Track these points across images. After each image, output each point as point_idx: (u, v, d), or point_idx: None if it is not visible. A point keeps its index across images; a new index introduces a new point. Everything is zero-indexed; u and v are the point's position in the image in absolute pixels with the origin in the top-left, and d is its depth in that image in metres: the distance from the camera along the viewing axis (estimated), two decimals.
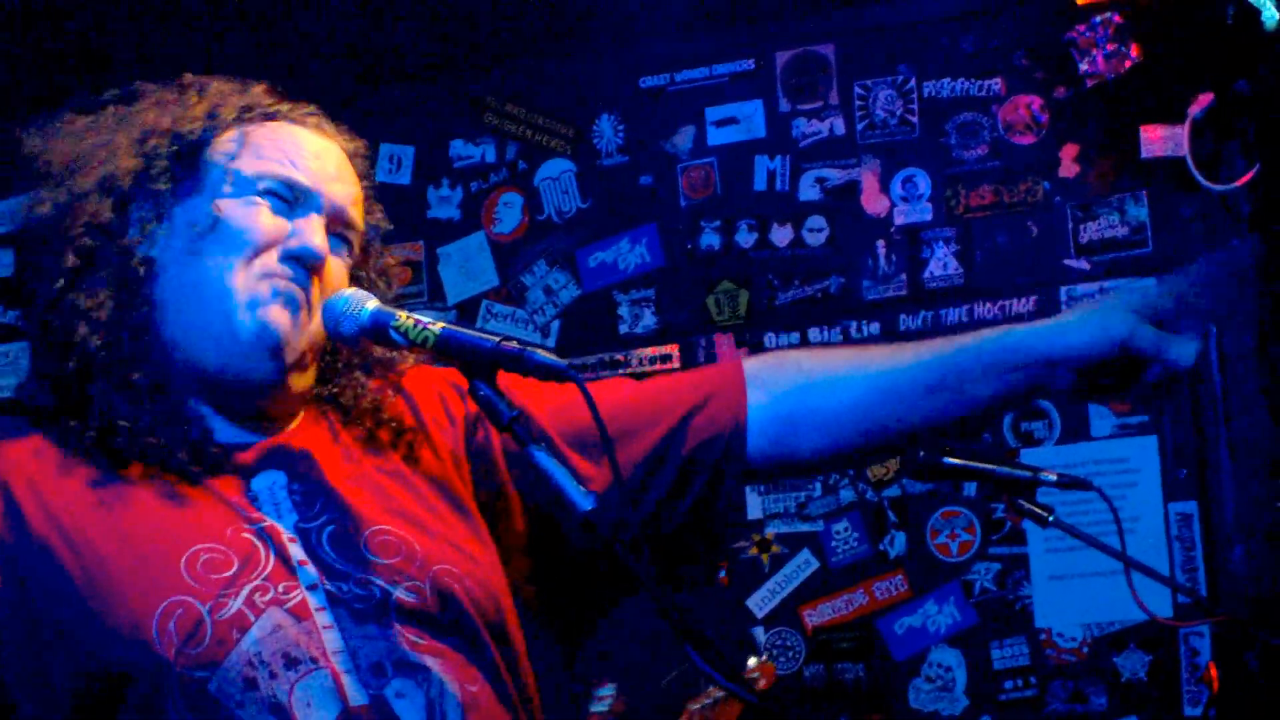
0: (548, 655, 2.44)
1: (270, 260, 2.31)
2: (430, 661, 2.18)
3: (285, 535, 2.22)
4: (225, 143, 2.37)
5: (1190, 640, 5.19)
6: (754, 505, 5.60)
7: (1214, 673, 4.85)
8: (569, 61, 5.89)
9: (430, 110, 6.01)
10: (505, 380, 2.23)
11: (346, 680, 2.13)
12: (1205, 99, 5.07)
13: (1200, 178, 5.10)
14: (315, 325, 2.35)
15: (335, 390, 2.44)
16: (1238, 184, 5.09)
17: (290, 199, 2.34)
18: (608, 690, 4.45)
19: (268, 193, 2.33)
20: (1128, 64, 5.25)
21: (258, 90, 2.47)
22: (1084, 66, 5.33)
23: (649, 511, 2.45)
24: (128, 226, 2.32)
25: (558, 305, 5.86)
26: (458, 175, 5.99)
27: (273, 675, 2.12)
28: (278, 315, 2.30)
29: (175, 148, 2.35)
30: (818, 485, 5.55)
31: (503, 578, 2.35)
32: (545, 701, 2.39)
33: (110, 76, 2.54)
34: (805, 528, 5.56)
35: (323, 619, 2.17)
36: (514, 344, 2.17)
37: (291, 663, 2.13)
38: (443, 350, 2.23)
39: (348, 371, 2.45)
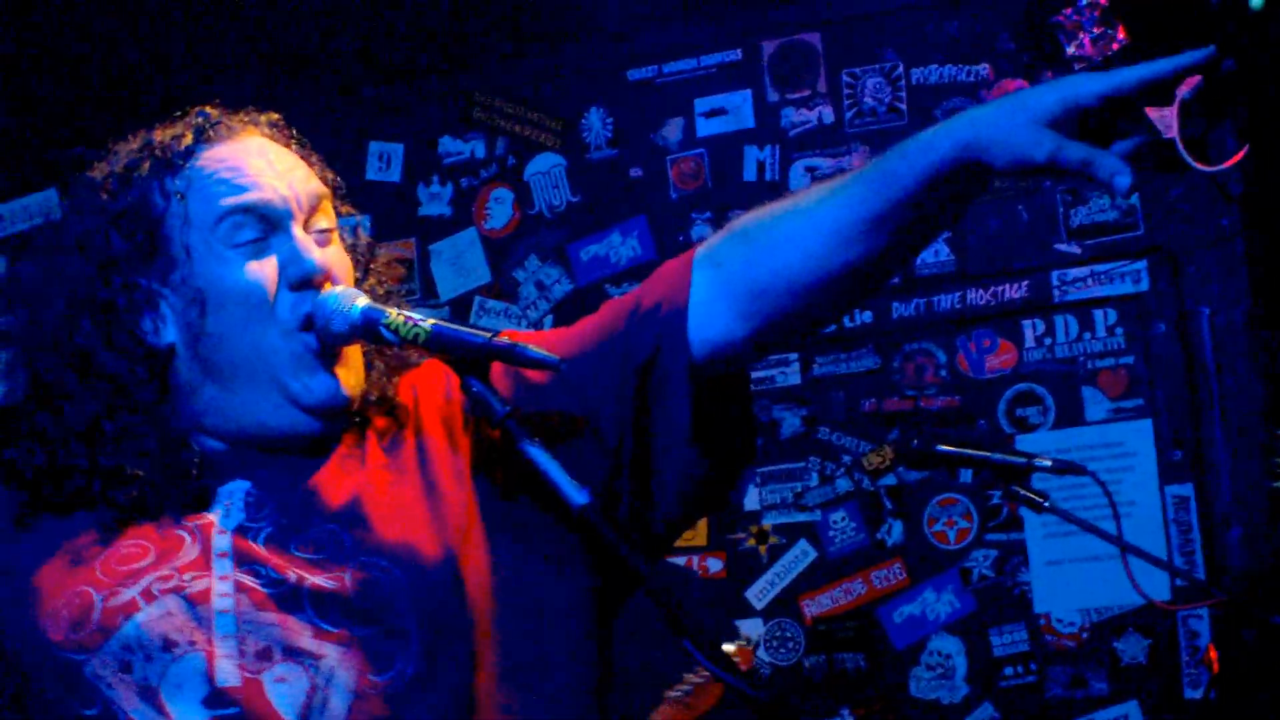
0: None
1: (285, 304, 2.28)
2: (330, 649, 2.18)
3: (215, 530, 2.25)
4: (174, 206, 2.31)
5: (1189, 623, 5.19)
6: (751, 496, 5.60)
7: (1214, 655, 4.85)
8: (557, 56, 5.89)
9: (419, 107, 6.01)
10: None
11: (222, 663, 2.15)
12: (1193, 80, 5.06)
13: (1190, 159, 5.09)
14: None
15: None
16: (1227, 164, 5.08)
17: (263, 232, 2.31)
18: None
19: (241, 244, 2.29)
20: (1114, 46, 5.25)
21: (168, 129, 2.40)
22: (1071, 49, 5.32)
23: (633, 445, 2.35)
24: (113, 329, 2.31)
25: (550, 300, 5.86)
26: (448, 172, 5.98)
27: (148, 658, 2.16)
28: (334, 380, 2.30)
29: (128, 230, 2.32)
30: (814, 475, 5.56)
31: (471, 565, 2.28)
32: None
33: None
34: (802, 518, 5.56)
35: (221, 604, 2.18)
36: (505, 339, 2.16)
37: (169, 646, 2.16)
38: (434, 347, 2.22)
39: (370, 371, 2.43)
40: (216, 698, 2.14)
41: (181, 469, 2.29)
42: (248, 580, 2.20)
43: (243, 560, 2.22)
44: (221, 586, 2.20)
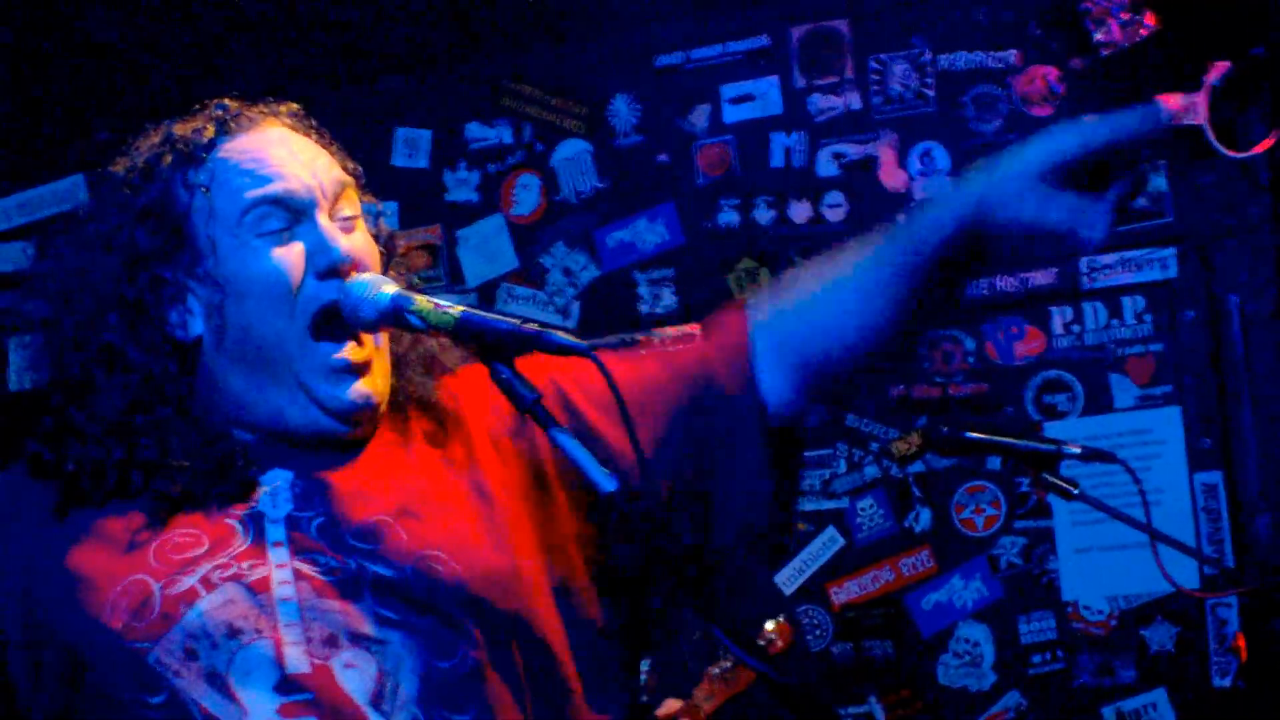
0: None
1: (309, 291, 2.29)
2: (395, 635, 2.18)
3: (268, 519, 2.25)
4: (198, 200, 2.32)
5: (1218, 611, 5.17)
6: None
7: (1242, 643, 4.84)
8: (584, 41, 5.88)
9: (446, 93, 6.00)
10: (538, 356, 2.21)
11: (289, 650, 2.15)
12: (1222, 66, 5.05)
13: (1219, 145, 5.07)
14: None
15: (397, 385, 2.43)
16: (1256, 150, 5.07)
17: (288, 221, 2.31)
18: (641, 666, 4.47)
19: (266, 234, 2.30)
20: (1143, 32, 5.23)
21: (189, 122, 2.41)
22: (1099, 36, 5.30)
23: (687, 481, 2.40)
24: (140, 324, 2.33)
25: (577, 286, 5.86)
26: (475, 158, 5.98)
27: (214, 646, 2.16)
28: (360, 388, 2.30)
29: (153, 225, 2.34)
30: (842, 462, 5.55)
31: (524, 563, 2.31)
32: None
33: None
34: (830, 505, 5.55)
35: (282, 592, 2.19)
36: (533, 326, 2.16)
37: (234, 633, 2.16)
38: (461, 333, 2.22)
39: (404, 368, 2.43)
40: (287, 684, 2.14)
41: (224, 459, 2.29)
42: (305, 568, 2.21)
43: (298, 549, 2.22)
44: (280, 574, 2.20)
